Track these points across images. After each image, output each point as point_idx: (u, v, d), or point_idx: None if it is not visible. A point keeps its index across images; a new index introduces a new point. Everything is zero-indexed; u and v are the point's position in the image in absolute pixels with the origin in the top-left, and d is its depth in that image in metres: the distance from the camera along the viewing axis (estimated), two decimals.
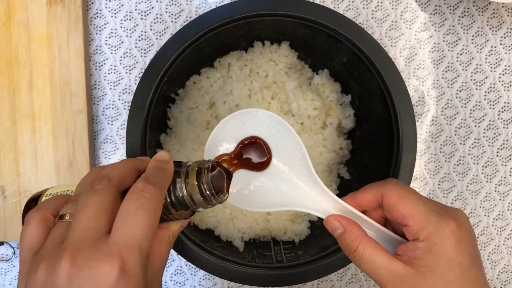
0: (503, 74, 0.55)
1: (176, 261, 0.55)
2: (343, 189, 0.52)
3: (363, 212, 0.35)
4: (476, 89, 0.55)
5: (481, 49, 0.55)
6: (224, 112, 0.49)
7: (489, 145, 0.56)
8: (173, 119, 0.50)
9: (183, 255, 0.43)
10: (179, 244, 0.43)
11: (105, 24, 0.54)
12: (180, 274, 0.55)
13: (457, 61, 0.55)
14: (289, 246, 0.49)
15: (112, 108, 0.54)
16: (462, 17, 0.55)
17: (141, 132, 0.43)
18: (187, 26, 0.43)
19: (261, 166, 0.35)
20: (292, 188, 0.35)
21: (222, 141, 0.36)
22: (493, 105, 0.56)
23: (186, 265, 0.55)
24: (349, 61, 0.47)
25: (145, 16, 0.54)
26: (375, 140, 0.49)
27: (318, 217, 0.37)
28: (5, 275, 0.54)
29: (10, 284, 0.54)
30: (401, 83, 0.43)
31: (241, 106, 0.48)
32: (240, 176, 0.35)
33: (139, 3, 0.54)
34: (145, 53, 0.54)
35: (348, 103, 0.51)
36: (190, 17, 0.54)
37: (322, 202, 0.35)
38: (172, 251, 0.42)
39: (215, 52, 0.50)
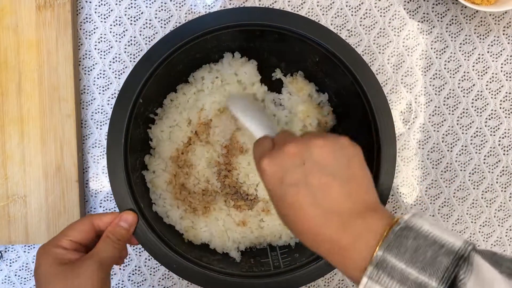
0: (490, 82, 0.56)
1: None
2: None
3: None
4: (464, 96, 0.56)
5: (468, 56, 0.55)
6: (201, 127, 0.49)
7: (476, 152, 0.56)
8: (155, 139, 0.50)
9: (179, 274, 0.43)
10: (173, 263, 0.43)
11: (94, 29, 0.54)
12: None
13: (444, 68, 0.55)
14: (286, 250, 0.49)
15: (101, 113, 0.54)
16: (450, 25, 0.55)
17: (122, 157, 0.43)
18: (155, 46, 0.43)
19: None
20: None
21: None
22: (480, 112, 0.56)
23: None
24: (322, 61, 0.47)
25: (134, 21, 0.54)
26: (357, 136, 0.49)
27: None
28: None
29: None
30: (372, 77, 0.44)
31: (214, 122, 0.49)
32: None
33: (129, 8, 0.54)
34: (134, 58, 0.54)
35: (326, 101, 0.52)
36: (180, 23, 0.54)
37: None
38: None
39: (188, 68, 0.50)
